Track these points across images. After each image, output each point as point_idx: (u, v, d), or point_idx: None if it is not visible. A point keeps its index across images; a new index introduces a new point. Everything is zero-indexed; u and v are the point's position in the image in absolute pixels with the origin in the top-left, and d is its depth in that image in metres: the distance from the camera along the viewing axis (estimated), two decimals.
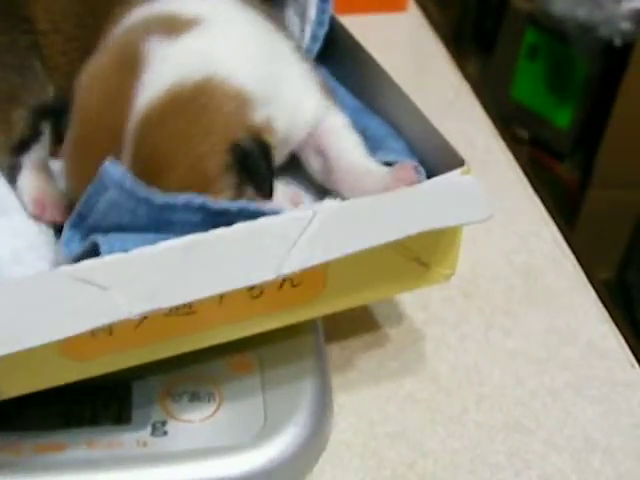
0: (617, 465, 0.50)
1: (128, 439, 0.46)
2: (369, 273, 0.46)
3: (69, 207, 0.50)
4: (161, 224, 0.45)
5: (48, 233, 0.53)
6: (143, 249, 0.41)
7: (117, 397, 0.48)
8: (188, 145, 0.46)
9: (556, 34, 1.46)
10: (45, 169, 0.57)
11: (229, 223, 0.42)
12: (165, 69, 0.47)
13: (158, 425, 0.47)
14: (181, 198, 0.44)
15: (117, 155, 0.46)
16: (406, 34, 0.79)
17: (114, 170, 0.43)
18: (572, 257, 0.63)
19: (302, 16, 0.58)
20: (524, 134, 1.61)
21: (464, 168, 0.46)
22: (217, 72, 0.47)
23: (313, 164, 0.54)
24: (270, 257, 0.41)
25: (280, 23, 0.56)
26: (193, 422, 0.47)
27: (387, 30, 0.76)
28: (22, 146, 0.56)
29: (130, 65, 0.47)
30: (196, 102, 0.46)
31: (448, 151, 0.48)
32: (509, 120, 1.61)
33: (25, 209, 0.54)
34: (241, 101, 0.47)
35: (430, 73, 0.77)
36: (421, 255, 0.47)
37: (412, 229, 0.43)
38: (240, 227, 0.42)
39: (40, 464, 0.45)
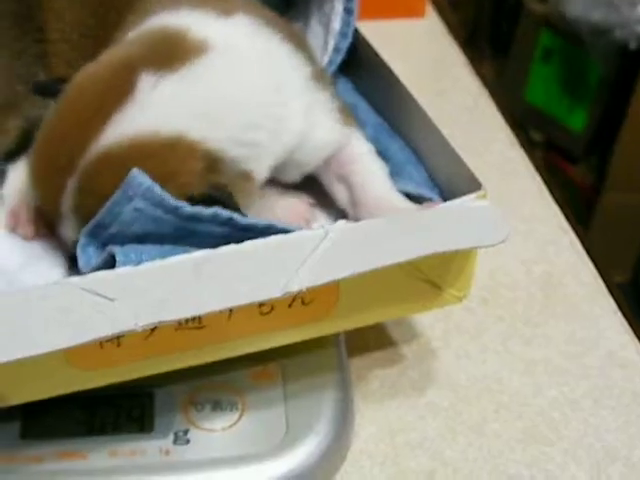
0: (638, 476, 0.50)
1: (150, 447, 0.46)
2: (380, 294, 0.46)
3: (46, 224, 0.51)
4: (185, 234, 0.45)
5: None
6: (153, 263, 0.41)
7: (140, 405, 0.48)
8: None
9: (571, 37, 1.46)
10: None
11: (252, 238, 0.43)
12: (145, 114, 0.46)
13: (180, 434, 0.47)
14: (209, 210, 0.44)
15: (68, 175, 0.46)
16: (424, 40, 0.79)
17: (142, 179, 0.44)
18: (591, 265, 0.63)
19: (326, 26, 0.58)
20: (538, 137, 1.61)
21: (480, 193, 0.46)
22: (191, 131, 0.46)
23: (336, 192, 0.54)
24: (279, 275, 0.41)
25: (300, 40, 0.55)
26: (215, 431, 0.47)
27: (405, 36, 0.76)
28: (11, 155, 0.56)
29: (117, 91, 0.47)
30: (159, 156, 0.46)
31: (465, 174, 0.48)
32: (523, 123, 1.61)
33: None
34: (208, 162, 0.47)
35: (448, 79, 0.77)
36: (433, 277, 0.47)
37: (423, 251, 0.43)
38: (251, 244, 0.42)
39: (62, 472, 0.45)
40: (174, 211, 0.44)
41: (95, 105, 0.47)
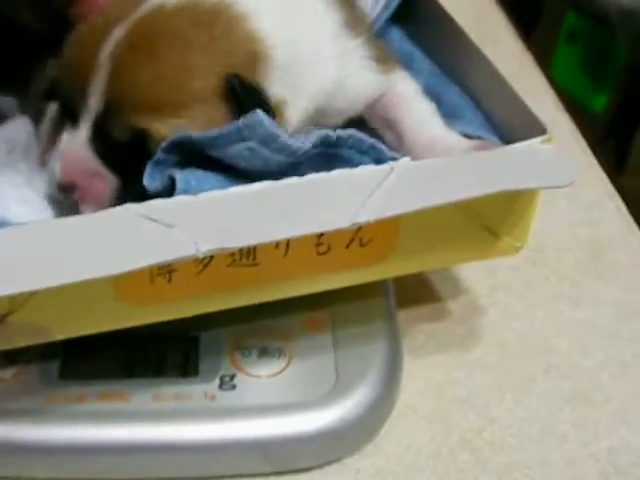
0: None
1: (195, 392, 0.45)
2: (439, 238, 0.45)
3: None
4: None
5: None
6: (215, 192, 0.40)
7: (184, 348, 0.47)
8: (186, 53, 0.44)
9: (597, 18, 1.44)
10: None
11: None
12: None
13: (226, 379, 0.46)
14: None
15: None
16: (468, 4, 0.78)
17: (267, 124, 0.41)
18: (636, 230, 0.62)
19: None
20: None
21: (546, 137, 0.45)
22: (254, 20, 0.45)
23: (387, 137, 0.51)
24: (345, 207, 0.40)
25: None
26: (262, 377, 0.46)
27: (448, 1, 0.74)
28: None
29: None
30: (216, 18, 0.45)
31: (530, 119, 0.47)
32: None
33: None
34: (259, 49, 0.45)
35: (493, 44, 0.75)
36: (492, 223, 0.46)
37: (489, 188, 0.42)
38: (315, 176, 0.41)
39: (104, 413, 0.44)
40: (294, 154, 0.42)
41: None
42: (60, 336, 0.41)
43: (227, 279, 0.42)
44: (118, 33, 0.44)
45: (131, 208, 0.39)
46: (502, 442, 0.48)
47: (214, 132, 0.42)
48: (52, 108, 0.52)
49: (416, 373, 0.51)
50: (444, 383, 0.50)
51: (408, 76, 0.52)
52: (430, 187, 0.41)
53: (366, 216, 0.39)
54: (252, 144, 0.41)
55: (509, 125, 0.49)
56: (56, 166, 0.46)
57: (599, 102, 1.52)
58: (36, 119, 0.53)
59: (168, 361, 0.47)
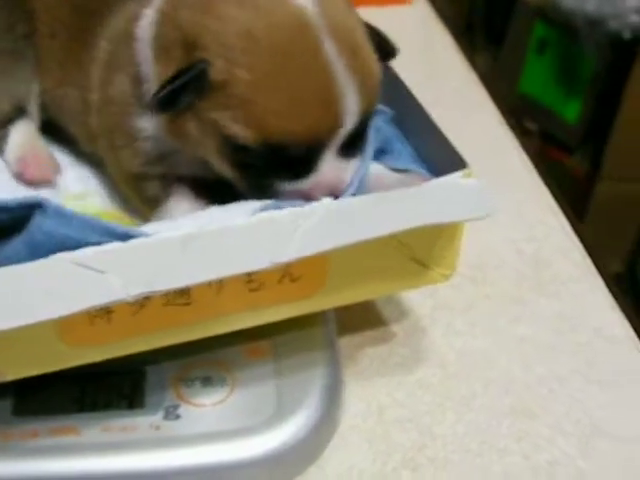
0: (623, 450, 0.51)
1: (141, 423, 0.47)
2: (368, 271, 0.47)
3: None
4: None
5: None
6: (141, 239, 0.41)
7: (131, 382, 0.49)
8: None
9: (565, 28, 1.46)
10: (34, 134, 0.58)
11: None
12: None
13: (171, 409, 0.48)
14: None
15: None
16: (413, 26, 0.80)
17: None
18: (580, 246, 0.63)
19: None
20: (533, 127, 1.61)
21: (466, 171, 0.46)
22: None
23: None
24: (267, 248, 0.42)
25: None
26: (205, 406, 0.48)
27: (394, 22, 0.76)
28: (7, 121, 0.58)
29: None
30: None
31: (451, 154, 0.48)
32: (518, 113, 1.61)
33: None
34: None
35: (438, 64, 0.77)
36: (419, 255, 0.47)
37: (409, 223, 0.44)
38: (240, 220, 0.43)
39: (56, 447, 0.46)
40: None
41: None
42: (10, 377, 0.43)
43: (163, 318, 0.44)
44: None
45: (65, 257, 0.41)
46: (444, 458, 0.50)
47: None
48: None
49: (359, 395, 0.52)
50: (386, 404, 0.52)
51: None
52: (351, 224, 0.43)
53: (287, 256, 0.41)
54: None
55: (433, 159, 0.51)
56: None
57: (572, 111, 1.54)
58: None
59: (116, 395, 0.49)
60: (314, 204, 0.43)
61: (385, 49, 0.49)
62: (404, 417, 0.52)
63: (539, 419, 0.52)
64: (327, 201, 0.44)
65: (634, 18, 1.35)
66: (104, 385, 0.49)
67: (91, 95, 0.55)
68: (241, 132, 0.45)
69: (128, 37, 0.51)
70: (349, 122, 0.46)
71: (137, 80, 0.51)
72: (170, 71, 0.46)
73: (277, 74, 0.44)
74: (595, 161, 1.50)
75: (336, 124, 0.45)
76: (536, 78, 1.56)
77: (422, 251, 0.47)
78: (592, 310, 0.59)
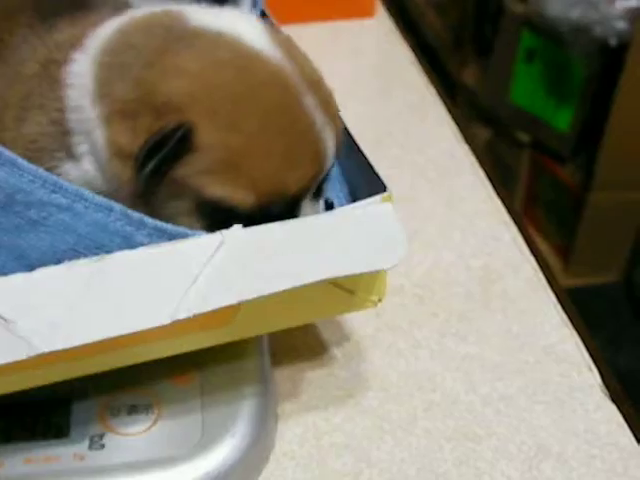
0: (569, 472, 0.49)
1: (65, 453, 0.46)
2: (288, 300, 0.43)
3: None
4: None
5: None
6: (47, 272, 0.40)
7: (56, 411, 0.48)
8: None
9: (552, 36, 1.45)
10: None
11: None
12: None
13: (96, 438, 0.47)
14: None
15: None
16: (374, 40, 0.79)
17: None
18: (533, 261, 0.62)
19: None
20: (525, 138, 1.60)
21: (385, 195, 0.44)
22: None
23: None
24: (168, 296, 0.40)
25: None
26: (131, 435, 0.47)
27: (355, 36, 0.75)
28: None
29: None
30: None
31: (372, 177, 0.46)
32: (509, 124, 1.60)
33: None
34: None
35: (396, 78, 0.76)
36: (344, 283, 0.45)
37: (314, 276, 0.42)
38: (143, 252, 0.41)
39: None
40: None
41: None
42: None
43: (80, 348, 0.43)
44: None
45: None
46: None
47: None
48: None
49: (296, 420, 0.51)
50: (323, 429, 0.51)
51: None
52: (259, 270, 0.41)
53: (186, 311, 0.39)
54: None
55: (356, 182, 0.49)
56: None
57: (563, 119, 1.52)
58: None
59: (42, 424, 0.48)
60: (223, 232, 0.42)
61: None
62: (341, 442, 0.50)
63: (482, 442, 0.51)
64: (236, 229, 0.42)
65: (620, 24, 1.33)
66: (31, 414, 0.48)
67: None
68: (231, 194, 0.43)
69: (50, 79, 0.47)
70: (328, 167, 0.46)
71: (60, 126, 0.47)
72: (139, 137, 0.43)
73: (267, 134, 0.43)
74: (588, 170, 1.48)
75: (321, 172, 0.45)
76: (526, 88, 1.55)
77: (348, 279, 0.45)
78: (542, 327, 0.57)
